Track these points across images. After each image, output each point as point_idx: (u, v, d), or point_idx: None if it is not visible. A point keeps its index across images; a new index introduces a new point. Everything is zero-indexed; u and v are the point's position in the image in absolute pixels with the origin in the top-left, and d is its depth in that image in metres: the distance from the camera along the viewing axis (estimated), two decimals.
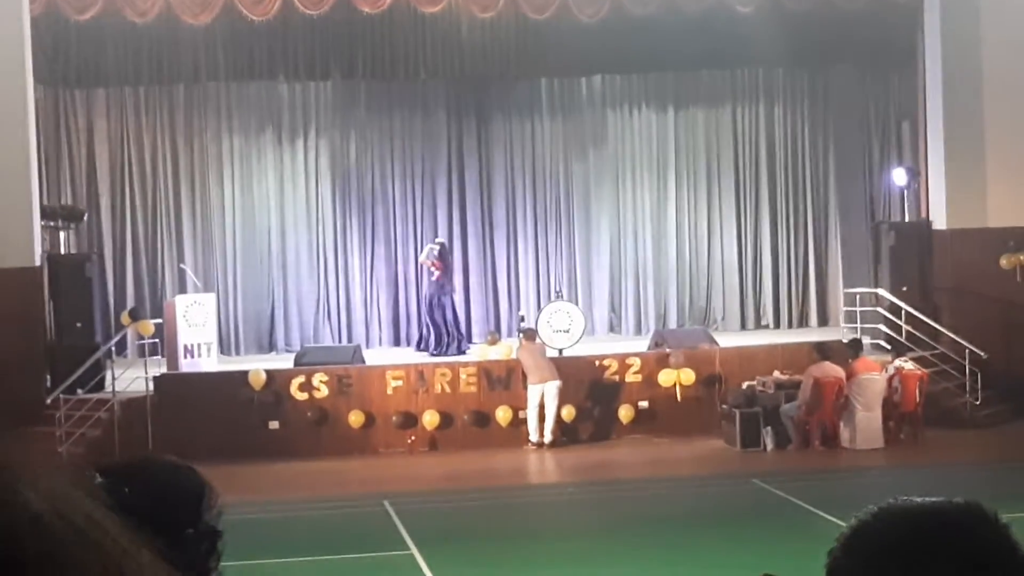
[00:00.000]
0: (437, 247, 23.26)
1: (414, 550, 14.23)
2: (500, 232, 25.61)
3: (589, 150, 25.88)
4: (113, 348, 21.23)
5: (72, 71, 23.38)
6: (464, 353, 22.65)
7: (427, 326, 23.31)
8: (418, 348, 23.38)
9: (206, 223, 24.80)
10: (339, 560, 14.22)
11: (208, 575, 2.26)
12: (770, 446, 19.55)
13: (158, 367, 20.63)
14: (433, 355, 22.51)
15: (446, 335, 22.90)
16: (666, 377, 20.74)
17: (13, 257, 20.18)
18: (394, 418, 20.50)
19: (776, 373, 20.47)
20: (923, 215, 23.09)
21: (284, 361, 22.37)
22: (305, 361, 21.40)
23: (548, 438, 20.29)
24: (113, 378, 19.96)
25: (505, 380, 20.79)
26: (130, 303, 23.59)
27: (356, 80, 24.57)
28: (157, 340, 21.02)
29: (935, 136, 22.64)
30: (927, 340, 21.51)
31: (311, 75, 24.20)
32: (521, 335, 21.24)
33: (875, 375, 19.67)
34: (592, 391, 20.96)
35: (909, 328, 21.61)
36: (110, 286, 23.97)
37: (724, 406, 20.26)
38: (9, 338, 19.79)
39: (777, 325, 25.93)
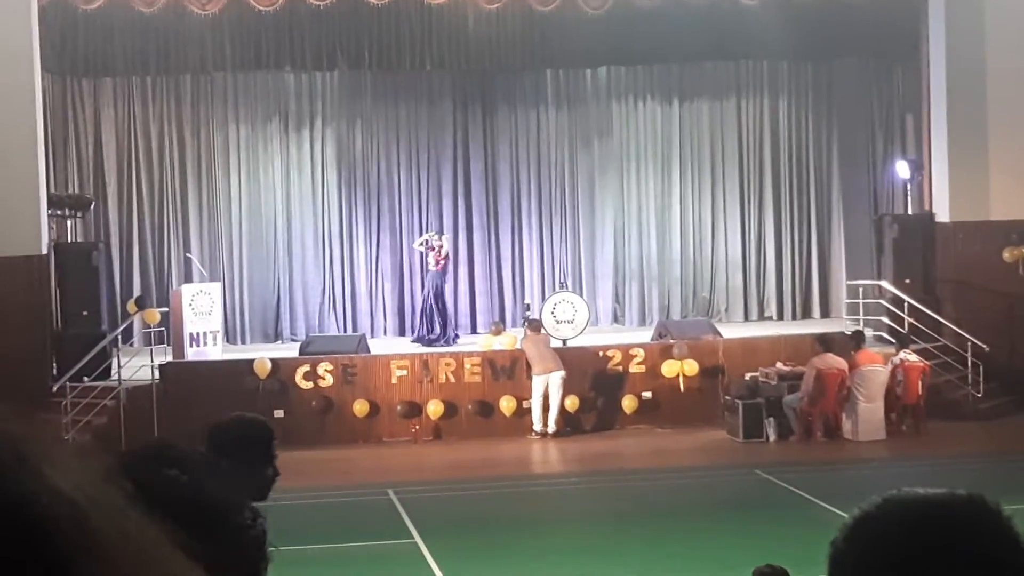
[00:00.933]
0: (440, 242, 23.13)
1: (418, 539, 14.28)
2: (505, 222, 25.65)
3: (594, 141, 25.92)
4: (119, 336, 21.23)
5: (80, 60, 23.46)
6: (455, 343, 22.64)
7: (426, 316, 23.20)
8: (423, 342, 23.04)
9: (212, 212, 24.87)
10: (343, 548, 14.26)
11: (264, 555, 2.14)
12: (772, 437, 19.58)
13: (164, 355, 20.67)
14: (427, 345, 22.47)
15: (445, 326, 22.86)
16: (669, 368, 20.78)
17: (20, 245, 20.26)
18: (398, 407, 20.55)
19: (779, 364, 20.49)
20: (926, 208, 23.12)
21: (289, 350, 22.39)
22: (310, 350, 21.44)
23: (552, 428, 20.33)
24: (119, 366, 20.02)
25: (509, 370, 20.83)
26: (136, 292, 23.65)
27: (362, 70, 24.60)
28: (163, 328, 21.07)
29: (939, 129, 22.66)
30: (930, 332, 21.53)
31: (318, 65, 24.27)
32: (526, 325, 21.26)
33: (878, 367, 19.68)
34: (596, 382, 21.00)
35: (912, 320, 21.64)
36: (116, 275, 24.05)
37: (727, 397, 20.29)
38: (16, 326, 19.89)
39: (780, 317, 25.96)
